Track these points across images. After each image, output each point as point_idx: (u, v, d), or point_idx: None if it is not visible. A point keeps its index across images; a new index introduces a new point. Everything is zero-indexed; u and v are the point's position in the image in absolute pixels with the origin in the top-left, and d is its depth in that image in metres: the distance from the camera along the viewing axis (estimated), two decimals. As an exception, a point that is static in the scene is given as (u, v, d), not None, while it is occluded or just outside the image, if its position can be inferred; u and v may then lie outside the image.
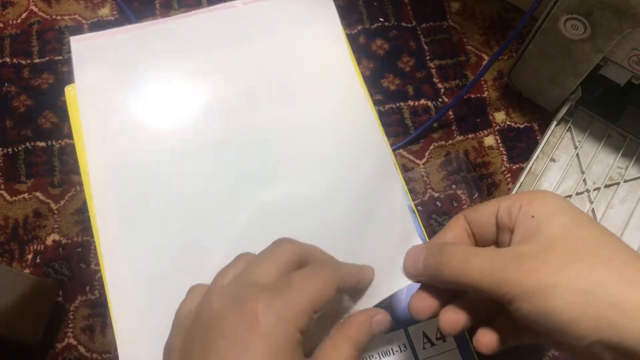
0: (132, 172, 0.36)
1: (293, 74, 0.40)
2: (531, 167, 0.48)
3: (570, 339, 0.22)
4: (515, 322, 0.24)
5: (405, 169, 0.48)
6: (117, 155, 0.37)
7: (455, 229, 0.28)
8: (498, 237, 0.27)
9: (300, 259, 0.27)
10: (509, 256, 0.24)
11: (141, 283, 0.33)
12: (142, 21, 0.53)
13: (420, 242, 0.34)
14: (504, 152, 0.50)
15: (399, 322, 0.36)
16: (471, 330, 0.28)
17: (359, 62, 0.47)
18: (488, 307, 0.26)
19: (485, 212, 0.27)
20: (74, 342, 0.42)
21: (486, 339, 0.26)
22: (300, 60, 0.40)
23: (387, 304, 0.36)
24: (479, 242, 0.28)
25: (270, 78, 0.40)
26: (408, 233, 0.34)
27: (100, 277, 0.39)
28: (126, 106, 0.38)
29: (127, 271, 0.33)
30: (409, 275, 0.28)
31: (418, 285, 0.29)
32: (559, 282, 0.22)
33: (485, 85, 0.53)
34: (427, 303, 0.27)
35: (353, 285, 0.28)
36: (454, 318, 0.26)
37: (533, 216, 0.24)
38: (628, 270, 0.22)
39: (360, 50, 0.53)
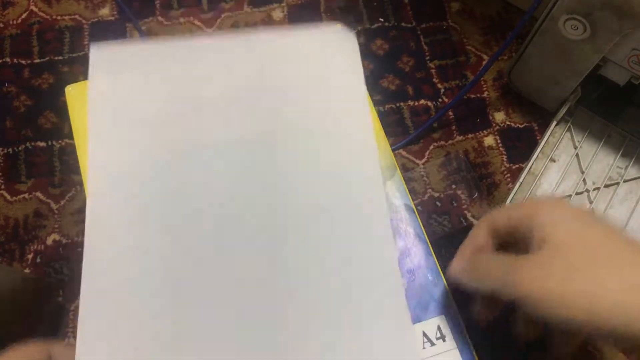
0: (131, 186, 0.36)
1: (302, 100, 0.40)
2: (531, 167, 0.48)
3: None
4: None
5: (405, 169, 0.48)
6: (118, 165, 0.36)
7: (481, 233, 0.31)
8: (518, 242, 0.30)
9: None
10: (518, 263, 0.27)
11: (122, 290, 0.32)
12: (144, 20, 0.53)
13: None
14: (504, 152, 0.50)
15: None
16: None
17: (359, 62, 0.47)
18: None
19: (501, 222, 0.30)
20: (74, 342, 0.42)
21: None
22: (314, 90, 0.41)
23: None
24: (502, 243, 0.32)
25: (280, 98, 0.40)
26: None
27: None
28: (135, 120, 0.37)
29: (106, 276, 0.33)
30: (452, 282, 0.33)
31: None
32: (565, 292, 0.24)
33: (485, 85, 0.53)
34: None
35: None
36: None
37: (541, 225, 0.27)
38: (628, 270, 0.24)
39: (360, 50, 0.53)
